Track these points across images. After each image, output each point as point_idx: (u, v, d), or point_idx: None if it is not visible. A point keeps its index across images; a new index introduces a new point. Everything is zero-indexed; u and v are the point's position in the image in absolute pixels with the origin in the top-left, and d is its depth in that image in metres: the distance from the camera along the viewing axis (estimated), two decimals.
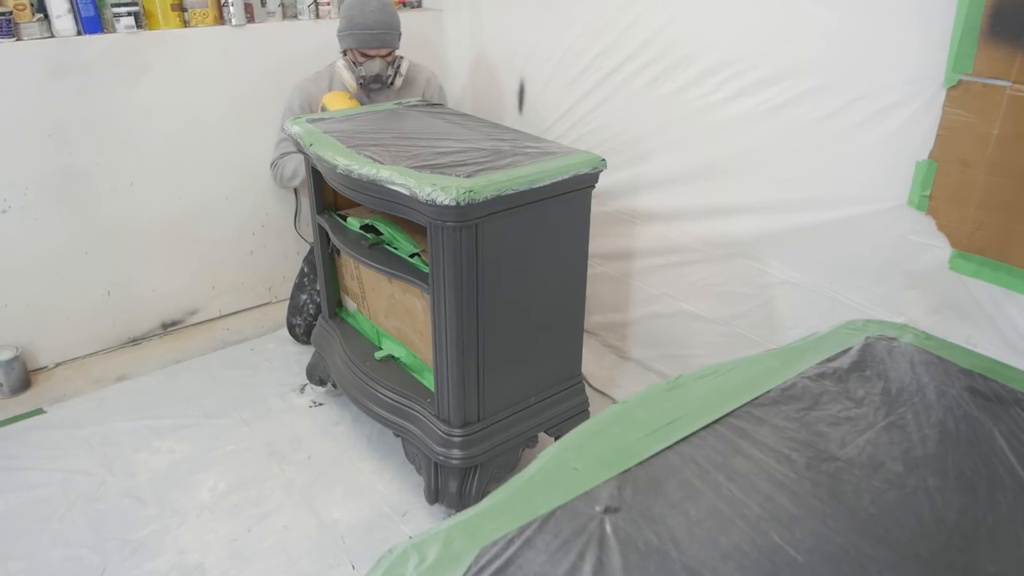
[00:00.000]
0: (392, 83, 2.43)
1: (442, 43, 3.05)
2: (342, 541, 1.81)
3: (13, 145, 2.24)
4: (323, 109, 2.33)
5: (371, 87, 2.40)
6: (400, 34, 2.40)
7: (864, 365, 1.25)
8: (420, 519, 1.87)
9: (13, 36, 2.18)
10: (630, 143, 2.25)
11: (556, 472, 1.02)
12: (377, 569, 0.87)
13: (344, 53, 2.41)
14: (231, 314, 2.87)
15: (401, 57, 2.45)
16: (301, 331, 2.60)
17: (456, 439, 1.73)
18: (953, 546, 0.89)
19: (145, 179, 2.51)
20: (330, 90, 2.45)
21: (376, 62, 2.35)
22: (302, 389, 2.40)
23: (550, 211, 1.66)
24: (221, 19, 2.54)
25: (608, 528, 0.91)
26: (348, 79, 2.38)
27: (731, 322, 2.12)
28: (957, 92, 1.48)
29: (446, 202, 1.45)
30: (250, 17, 2.57)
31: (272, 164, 2.57)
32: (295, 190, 2.73)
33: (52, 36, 2.25)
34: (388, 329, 2.05)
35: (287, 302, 2.67)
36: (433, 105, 2.24)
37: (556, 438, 1.69)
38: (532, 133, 1.98)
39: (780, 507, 0.94)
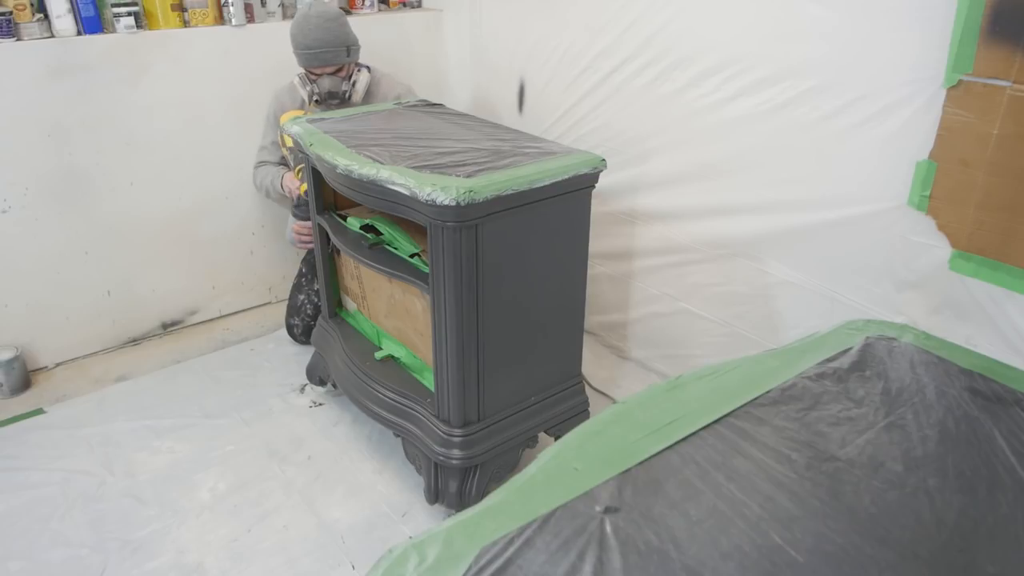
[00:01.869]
0: (350, 98, 2.38)
1: (442, 43, 3.05)
2: (342, 541, 1.81)
3: (13, 145, 2.24)
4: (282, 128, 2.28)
5: (329, 103, 2.35)
6: (349, 48, 2.33)
7: (864, 365, 1.25)
8: (420, 519, 1.87)
9: (13, 36, 2.18)
10: (630, 143, 2.25)
11: (556, 472, 1.02)
12: (377, 569, 0.87)
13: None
14: (231, 314, 2.87)
15: (359, 69, 2.40)
16: (299, 331, 2.60)
17: (456, 439, 1.73)
18: (953, 546, 0.89)
19: (145, 179, 2.51)
20: (293, 103, 2.43)
21: (326, 79, 2.32)
22: (302, 389, 2.40)
23: (550, 211, 1.66)
24: (221, 19, 2.54)
25: (608, 528, 0.91)
26: (304, 95, 2.36)
27: (731, 322, 2.12)
28: (957, 92, 1.48)
29: (446, 202, 1.45)
30: (250, 17, 2.57)
31: (255, 167, 2.57)
32: None
33: (52, 36, 2.25)
34: (388, 329, 2.05)
35: (287, 302, 2.67)
36: (433, 105, 2.24)
37: (556, 438, 1.69)
38: (532, 133, 1.98)
39: (780, 507, 0.94)
